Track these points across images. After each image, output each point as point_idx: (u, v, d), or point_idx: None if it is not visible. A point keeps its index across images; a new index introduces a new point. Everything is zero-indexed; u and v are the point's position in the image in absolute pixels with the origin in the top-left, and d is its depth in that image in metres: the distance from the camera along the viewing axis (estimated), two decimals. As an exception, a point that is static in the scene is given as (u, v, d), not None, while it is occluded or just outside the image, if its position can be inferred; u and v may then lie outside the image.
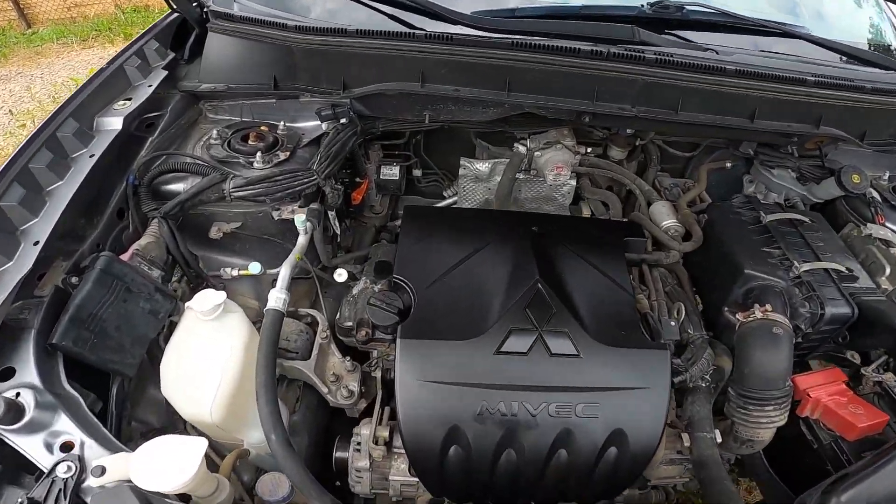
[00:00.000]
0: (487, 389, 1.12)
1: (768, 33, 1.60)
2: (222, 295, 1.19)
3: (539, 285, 1.19)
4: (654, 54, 1.37)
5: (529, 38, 1.34)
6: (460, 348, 1.13)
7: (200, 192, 1.30)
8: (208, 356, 1.22)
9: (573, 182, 1.86)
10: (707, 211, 1.62)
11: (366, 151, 1.79)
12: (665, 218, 1.64)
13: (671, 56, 1.38)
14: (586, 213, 1.96)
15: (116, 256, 1.16)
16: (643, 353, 1.19)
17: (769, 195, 1.87)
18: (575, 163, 1.76)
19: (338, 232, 1.71)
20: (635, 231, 1.43)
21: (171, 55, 1.72)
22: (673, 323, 1.40)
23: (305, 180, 1.34)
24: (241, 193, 1.29)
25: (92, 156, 1.26)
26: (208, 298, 1.19)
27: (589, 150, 1.80)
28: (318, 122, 1.54)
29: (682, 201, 1.72)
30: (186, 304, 1.22)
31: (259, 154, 1.38)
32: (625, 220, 1.62)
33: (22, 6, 6.53)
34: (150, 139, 1.46)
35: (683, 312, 1.43)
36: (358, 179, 1.71)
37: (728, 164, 1.92)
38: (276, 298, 1.14)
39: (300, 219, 1.26)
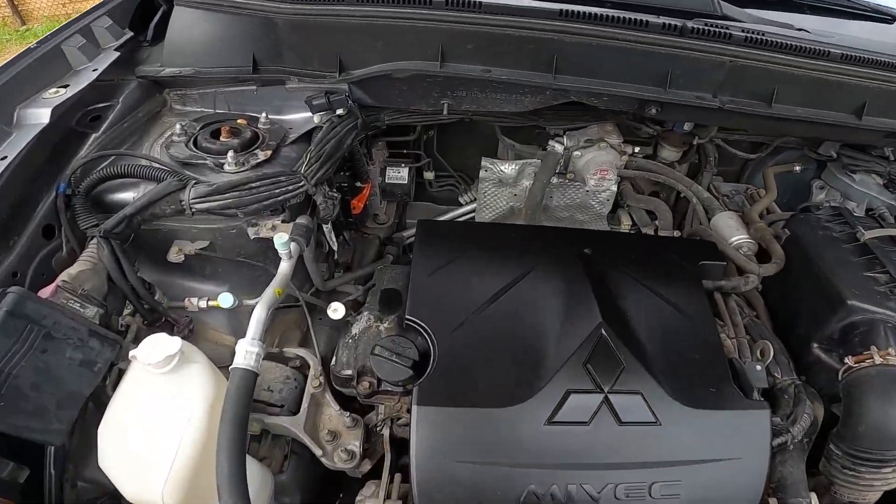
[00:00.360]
0: (536, 469, 0.83)
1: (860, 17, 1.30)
2: (176, 342, 0.89)
3: (603, 331, 0.89)
4: (742, 31, 1.06)
5: (583, 6, 1.03)
6: (500, 418, 0.84)
7: (151, 203, 0.99)
8: (161, 422, 0.93)
9: (614, 187, 1.56)
10: (789, 225, 1.32)
11: (368, 150, 1.48)
12: (734, 232, 1.34)
13: (763, 35, 1.07)
14: (626, 223, 1.66)
15: (30, 293, 0.86)
16: (738, 416, 0.91)
17: (846, 203, 1.57)
18: (620, 165, 1.46)
19: (334, 248, 1.40)
20: (710, 252, 1.13)
21: (128, 34, 1.41)
22: (759, 367, 1.10)
23: (291, 187, 1.03)
24: (204, 205, 0.98)
25: (4, 157, 0.95)
26: (159, 346, 0.89)
27: (637, 149, 1.50)
28: (309, 114, 1.24)
29: (753, 212, 1.42)
30: (130, 352, 0.91)
31: (231, 154, 1.07)
32: (696, 237, 1.31)
33: (16, 3, 6.26)
34: (94, 136, 1.15)
35: (770, 353, 1.13)
36: (359, 184, 1.41)
37: (797, 168, 1.62)
38: (246, 353, 0.83)
39: (281, 240, 0.95)
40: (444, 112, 1.17)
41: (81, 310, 0.92)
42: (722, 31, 1.05)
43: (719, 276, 1.14)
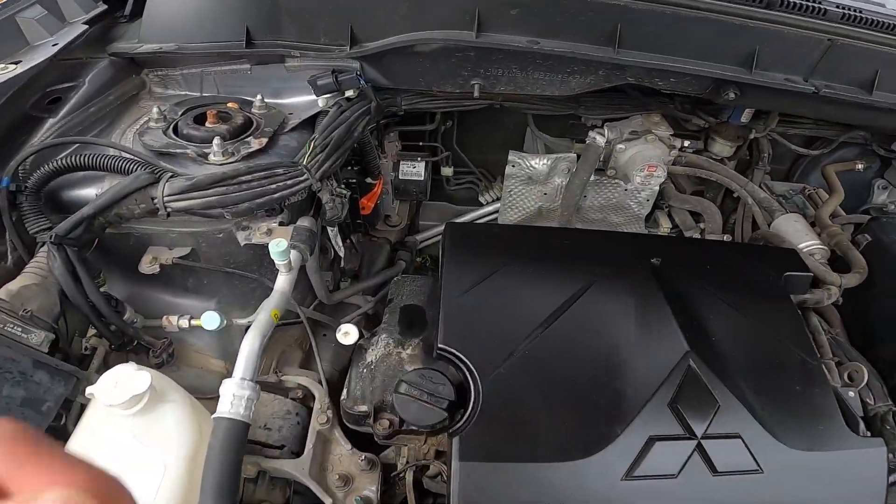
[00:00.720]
0: (609, 538, 0.64)
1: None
2: (145, 379, 0.69)
3: (691, 362, 0.70)
4: (837, 6, 0.88)
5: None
6: (567, 474, 0.65)
7: (116, 201, 0.79)
8: (128, 475, 0.72)
9: (657, 187, 1.38)
10: (869, 230, 1.14)
11: (380, 141, 1.29)
12: (803, 237, 1.16)
13: (860, 11, 0.89)
14: (666, 226, 1.48)
15: (-49, 317, 0.66)
16: (851, 456, 0.73)
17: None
18: (669, 160, 1.28)
19: (340, 254, 1.21)
20: (793, 261, 0.95)
21: (102, 7, 1.21)
22: (852, 393, 0.93)
23: (290, 182, 0.83)
24: (182, 203, 0.79)
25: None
26: (123, 382, 0.70)
27: (686, 143, 1.32)
28: (313, 97, 1.05)
29: (824, 213, 1.24)
30: (88, 389, 0.72)
31: (217, 141, 0.87)
32: (760, 242, 1.13)
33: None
34: (51, 121, 0.95)
35: (865, 377, 0.95)
36: (369, 180, 1.21)
37: (860, 166, 1.45)
38: (234, 398, 0.62)
39: (278, 247, 0.75)
40: (475, 94, 0.98)
41: (24, 335, 0.72)
42: (815, 5, 0.87)
43: (804, 290, 0.96)
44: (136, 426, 0.75)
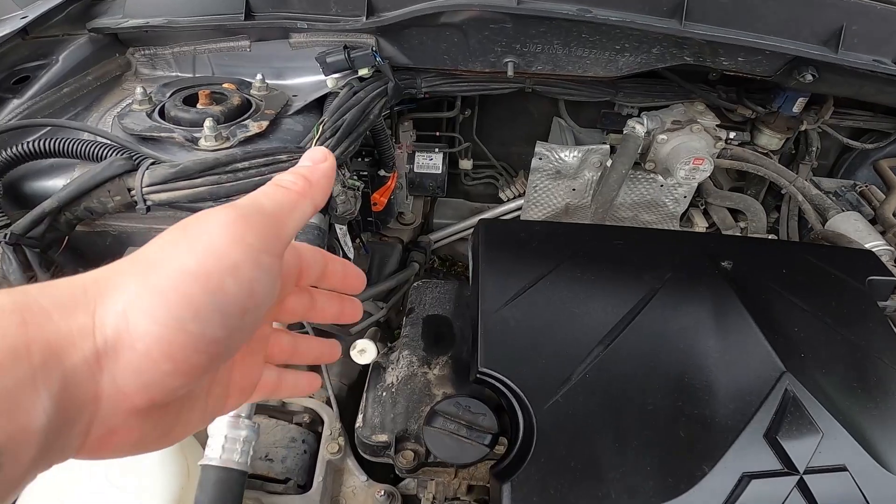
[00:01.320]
0: None
1: None
2: None
3: (788, 386, 0.57)
4: None
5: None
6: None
7: (84, 192, 0.66)
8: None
9: (695, 182, 1.25)
10: (942, 228, 1.02)
11: (395, 130, 1.16)
12: (867, 238, 1.04)
13: None
14: (701, 225, 1.36)
15: None
16: None
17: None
18: (715, 153, 1.15)
19: (349, 255, 1.07)
20: (873, 264, 0.82)
21: (83, -23, 1.07)
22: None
23: (298, 171, 0.70)
24: (165, 195, 0.65)
25: None
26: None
27: (732, 135, 1.20)
28: (321, 77, 0.92)
29: (887, 210, 1.12)
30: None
31: (209, 123, 0.74)
32: (823, 243, 1.00)
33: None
34: (17, 102, 0.81)
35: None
36: (383, 173, 1.08)
37: (913, 159, 1.33)
38: (225, 441, 0.48)
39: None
40: (509, 73, 0.85)
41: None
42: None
43: (886, 296, 0.83)
44: (109, 466, 0.62)
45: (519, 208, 1.35)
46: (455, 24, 0.82)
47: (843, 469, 0.57)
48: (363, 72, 0.90)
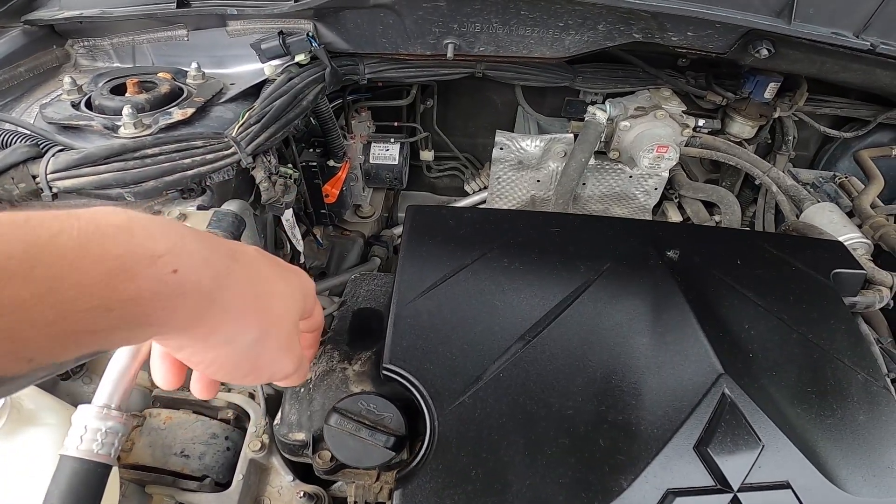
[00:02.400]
0: None
1: None
2: None
3: (726, 390, 0.52)
4: None
5: None
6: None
7: (-15, 179, 0.63)
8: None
9: (665, 173, 1.20)
10: (921, 218, 0.96)
11: (347, 120, 1.12)
12: (842, 230, 0.98)
13: None
14: (676, 218, 1.31)
15: None
16: None
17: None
18: (682, 141, 1.10)
19: (299, 248, 1.04)
20: (841, 256, 0.77)
21: (22, -32, 1.05)
22: (913, 421, 0.75)
23: (211, 157, 0.67)
24: (70, 181, 0.62)
25: None
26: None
27: (701, 122, 1.15)
28: (260, 65, 0.89)
29: (864, 202, 1.06)
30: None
31: (128, 110, 0.71)
32: (794, 234, 0.95)
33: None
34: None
35: (927, 401, 0.77)
36: (332, 164, 1.05)
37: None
38: (84, 432, 0.45)
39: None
40: (449, 55, 0.81)
41: None
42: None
43: (855, 291, 0.78)
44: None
45: (484, 201, 1.31)
46: (387, 4, 0.78)
47: (785, 486, 0.51)
48: (300, 58, 0.87)
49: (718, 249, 0.70)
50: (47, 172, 0.63)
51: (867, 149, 1.29)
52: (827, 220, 1.01)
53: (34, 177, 0.64)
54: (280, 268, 0.39)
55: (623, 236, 0.69)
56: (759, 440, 0.51)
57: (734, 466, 0.50)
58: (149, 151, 0.64)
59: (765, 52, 0.76)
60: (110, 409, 0.46)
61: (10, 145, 0.67)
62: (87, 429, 0.45)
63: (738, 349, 0.57)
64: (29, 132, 0.69)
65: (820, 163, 1.40)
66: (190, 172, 0.65)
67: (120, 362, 0.49)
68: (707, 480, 0.50)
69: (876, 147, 1.30)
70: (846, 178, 1.26)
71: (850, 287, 0.75)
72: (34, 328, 0.22)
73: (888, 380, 0.74)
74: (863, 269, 0.75)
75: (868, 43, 0.71)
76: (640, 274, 0.64)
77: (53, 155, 0.64)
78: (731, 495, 0.50)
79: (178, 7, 0.89)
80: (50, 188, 0.64)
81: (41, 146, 0.66)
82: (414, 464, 0.52)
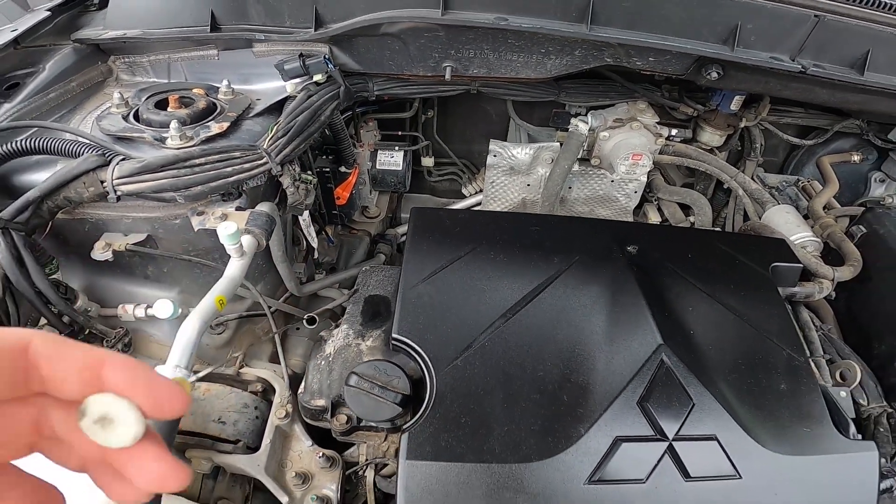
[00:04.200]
0: (570, 546, 0.60)
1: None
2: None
3: (664, 357, 0.65)
4: None
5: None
6: (524, 476, 0.60)
7: (63, 184, 0.76)
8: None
9: (644, 178, 1.33)
10: (864, 221, 1.09)
11: (356, 130, 1.25)
12: (795, 229, 1.11)
13: None
14: (655, 219, 1.43)
15: None
16: (840, 461, 0.69)
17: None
18: (655, 150, 1.23)
19: (313, 245, 1.17)
20: (781, 251, 0.90)
21: (68, -7, 1.18)
22: (843, 393, 0.88)
23: (247, 166, 0.80)
24: (132, 186, 0.75)
25: None
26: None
27: (674, 132, 1.27)
28: (282, 83, 1.01)
29: (817, 205, 1.18)
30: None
31: (175, 125, 0.84)
32: (751, 233, 1.08)
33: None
34: (7, 106, 0.92)
35: (858, 376, 0.90)
36: (343, 170, 1.18)
37: (856, 158, 1.39)
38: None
39: (227, 230, 0.72)
40: (447, 77, 0.94)
41: (-41, 323, 0.69)
42: (801, -23, 0.82)
43: (793, 282, 0.91)
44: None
45: (479, 203, 1.43)
46: (394, 33, 0.91)
47: (712, 438, 0.64)
48: (317, 77, 0.99)
49: (674, 245, 0.84)
50: (113, 179, 0.76)
51: (829, 155, 1.42)
52: (783, 220, 1.14)
53: (102, 182, 0.77)
54: None
55: (592, 234, 0.83)
56: (691, 399, 0.64)
57: (669, 420, 0.63)
58: (197, 161, 0.77)
59: (714, 74, 0.89)
60: (181, 368, 0.59)
61: (80, 154, 0.80)
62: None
63: (679, 326, 0.70)
64: (94, 143, 0.82)
65: (788, 168, 1.53)
66: (231, 179, 0.78)
67: (186, 332, 0.61)
68: (648, 430, 0.63)
69: (838, 153, 1.43)
70: (808, 181, 1.39)
71: (788, 279, 0.88)
72: None
73: (810, 358, 0.87)
74: (800, 263, 0.88)
75: (801, 66, 0.84)
76: (603, 265, 0.77)
77: (118, 163, 0.77)
78: (666, 443, 0.63)
79: (211, 31, 1.02)
80: (115, 192, 0.77)
81: (106, 156, 0.79)
82: (418, 416, 0.65)
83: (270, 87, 1.06)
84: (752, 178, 1.37)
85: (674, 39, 0.83)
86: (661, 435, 0.63)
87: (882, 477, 0.78)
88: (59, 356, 0.24)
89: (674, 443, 0.63)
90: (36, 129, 0.91)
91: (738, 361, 0.71)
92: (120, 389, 0.24)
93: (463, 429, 0.62)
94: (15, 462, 0.25)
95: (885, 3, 0.86)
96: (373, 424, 0.76)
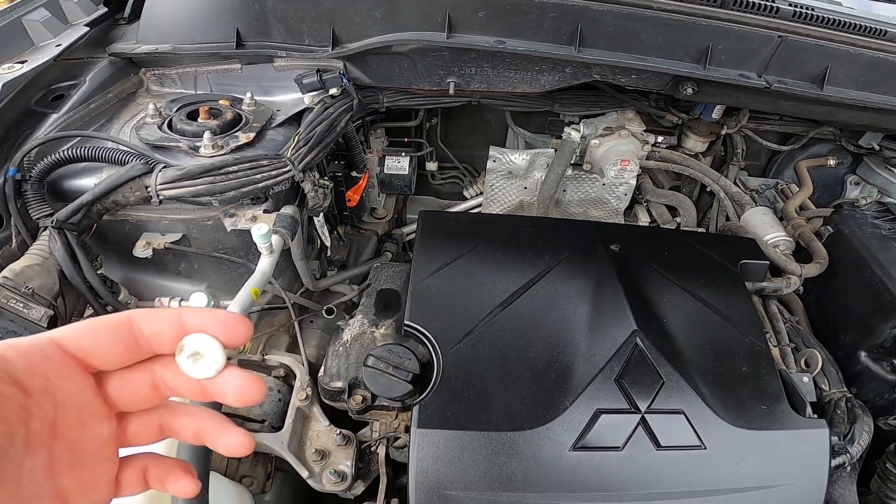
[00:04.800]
0: (560, 503, 0.70)
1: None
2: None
3: (638, 340, 0.76)
4: (790, 4, 0.94)
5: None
6: (517, 443, 0.70)
7: (113, 189, 0.86)
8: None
9: (634, 181, 1.43)
10: (831, 222, 1.19)
11: (365, 137, 1.35)
12: (769, 230, 1.21)
13: (813, 10, 0.94)
14: (644, 220, 1.53)
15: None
16: (793, 436, 0.79)
17: (883, 200, 1.45)
18: (642, 155, 1.33)
19: (327, 243, 1.27)
20: (751, 250, 1.00)
21: (102, 10, 1.28)
22: (806, 379, 0.98)
23: (273, 173, 0.90)
24: (173, 191, 0.85)
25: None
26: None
27: (660, 139, 1.37)
28: (300, 95, 1.11)
29: (790, 207, 1.28)
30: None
31: (208, 135, 0.94)
32: (727, 234, 1.18)
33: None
34: (54, 117, 1.02)
35: (819, 362, 1.00)
36: (354, 174, 1.28)
37: (832, 162, 1.49)
38: None
39: (260, 231, 0.82)
40: (451, 91, 1.04)
41: (25, 310, 0.79)
42: (767, 3, 0.92)
43: (761, 277, 1.01)
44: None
45: (480, 205, 1.53)
46: (403, 52, 1.01)
47: (679, 412, 0.74)
48: (333, 91, 1.09)
49: (652, 244, 0.94)
50: (157, 184, 0.86)
51: (807, 159, 1.52)
52: (759, 221, 1.24)
53: (146, 187, 0.87)
54: None
55: (579, 234, 0.93)
56: (661, 378, 0.74)
57: (641, 395, 0.73)
58: (230, 168, 0.87)
59: (690, 90, 0.99)
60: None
61: (125, 162, 0.90)
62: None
63: (653, 314, 0.81)
64: (136, 151, 0.92)
65: (770, 171, 1.63)
66: (260, 185, 0.88)
67: (241, 298, 0.71)
68: (623, 404, 0.73)
69: (816, 157, 1.53)
70: (787, 185, 1.49)
71: (756, 274, 0.98)
72: None
73: (777, 346, 0.97)
74: (766, 260, 0.98)
75: (765, 82, 0.94)
76: (588, 261, 0.87)
77: (161, 171, 0.87)
78: (639, 416, 0.73)
79: (236, 47, 1.12)
80: (158, 196, 0.87)
81: (150, 163, 0.89)
82: (426, 393, 0.75)
83: (289, 98, 1.16)
84: (735, 182, 1.47)
85: (653, 60, 0.93)
86: (634, 408, 0.73)
87: (835, 454, 0.88)
88: (152, 317, 0.31)
89: (646, 415, 0.73)
90: (80, 138, 1.01)
91: (705, 346, 0.81)
92: (199, 328, 0.30)
93: (466, 402, 0.72)
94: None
95: (843, 23, 0.96)
96: (386, 403, 0.86)
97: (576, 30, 0.90)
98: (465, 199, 1.57)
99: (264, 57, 1.14)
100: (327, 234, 1.27)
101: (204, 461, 0.65)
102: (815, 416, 0.89)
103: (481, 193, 1.55)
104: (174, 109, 1.08)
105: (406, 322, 0.79)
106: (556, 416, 0.72)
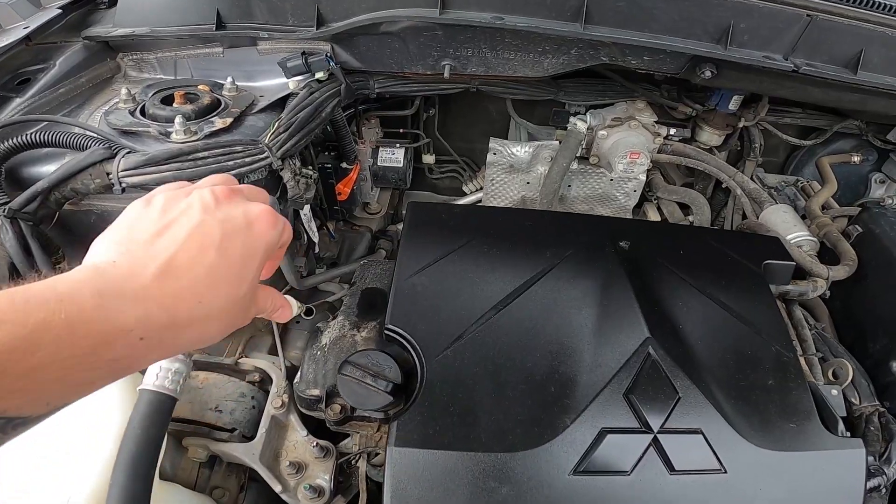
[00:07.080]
0: (556, 536, 0.61)
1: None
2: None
3: (651, 350, 0.66)
4: None
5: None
6: (510, 466, 0.61)
7: (71, 175, 0.79)
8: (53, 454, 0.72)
9: (643, 176, 1.34)
10: (860, 221, 1.09)
11: (358, 127, 1.27)
12: (792, 228, 1.11)
13: None
14: (655, 218, 1.44)
15: None
16: (826, 458, 0.69)
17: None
18: (654, 149, 1.24)
19: (314, 239, 1.19)
20: (775, 249, 0.90)
21: (80, -9, 1.21)
22: (835, 391, 0.88)
23: (248, 160, 0.82)
24: (137, 178, 0.78)
25: None
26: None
27: (672, 131, 1.28)
28: (285, 80, 1.03)
29: (814, 204, 1.18)
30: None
31: (179, 119, 0.86)
32: (748, 232, 1.08)
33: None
34: (18, 101, 0.95)
35: (850, 374, 0.90)
36: (345, 166, 1.20)
37: (856, 159, 1.39)
38: (159, 371, 0.61)
39: (227, 223, 0.74)
40: (446, 75, 0.96)
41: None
42: (794, -23, 0.82)
43: (786, 280, 0.91)
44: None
45: (479, 200, 1.45)
46: (394, 32, 0.93)
47: (697, 432, 0.64)
48: (319, 75, 1.01)
49: (666, 242, 0.84)
50: (119, 171, 0.78)
51: (829, 156, 1.42)
52: (780, 219, 1.15)
53: (108, 174, 0.79)
54: (233, 238, 0.40)
55: (586, 230, 0.84)
56: (677, 392, 0.65)
57: (654, 413, 0.64)
58: (200, 154, 0.80)
59: (708, 73, 0.90)
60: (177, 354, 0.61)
61: (87, 147, 0.82)
62: (161, 368, 0.60)
63: (668, 320, 0.71)
64: (100, 136, 0.84)
65: (789, 168, 1.53)
66: (232, 172, 0.80)
67: None
68: (633, 423, 0.64)
69: (838, 154, 1.43)
70: (808, 182, 1.39)
71: (780, 276, 0.89)
72: (46, 384, 0.29)
73: (803, 356, 0.87)
74: (792, 261, 0.88)
75: (793, 65, 0.85)
76: (594, 259, 0.78)
77: (123, 156, 0.79)
78: (651, 436, 0.64)
79: (216, 29, 1.05)
80: (120, 183, 0.79)
81: (112, 149, 0.81)
82: (408, 404, 0.67)
83: (273, 83, 1.08)
84: (752, 178, 1.37)
85: (667, 38, 0.84)
86: (646, 427, 0.64)
87: (870, 475, 0.79)
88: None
89: (659, 435, 0.64)
90: (45, 122, 0.94)
91: (726, 356, 0.72)
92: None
93: (450, 417, 0.64)
94: None
95: (879, 3, 0.87)
96: (365, 414, 0.77)
97: (582, 4, 0.82)
98: (464, 194, 1.49)
99: (247, 40, 1.07)
100: (315, 229, 1.19)
101: (147, 457, 0.58)
102: (848, 433, 0.80)
103: (481, 188, 1.47)
104: (149, 94, 1.01)
105: (387, 325, 0.70)
106: (555, 435, 0.63)
